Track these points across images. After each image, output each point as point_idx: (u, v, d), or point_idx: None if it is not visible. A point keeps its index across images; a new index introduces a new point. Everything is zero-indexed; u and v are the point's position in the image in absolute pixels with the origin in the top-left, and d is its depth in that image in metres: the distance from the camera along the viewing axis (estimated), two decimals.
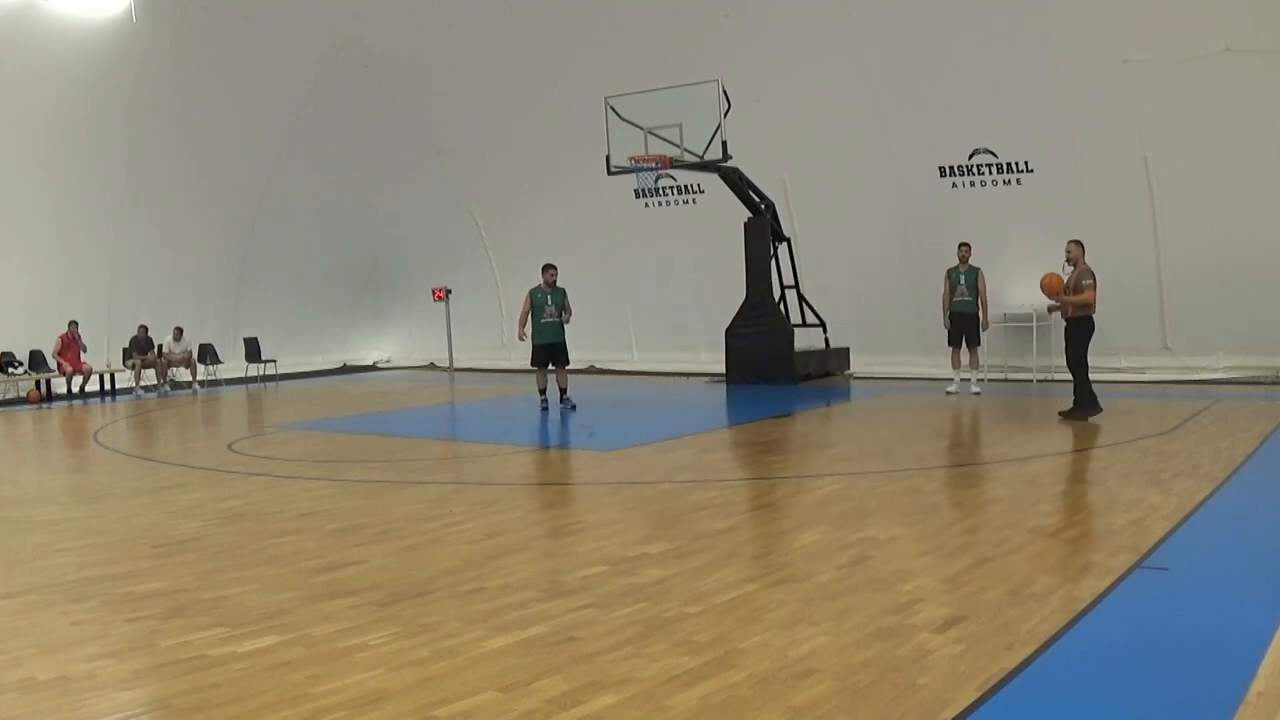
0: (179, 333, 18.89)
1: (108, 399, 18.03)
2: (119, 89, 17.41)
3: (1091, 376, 10.98)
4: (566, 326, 13.43)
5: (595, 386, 16.82)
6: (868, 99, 16.05)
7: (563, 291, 13.34)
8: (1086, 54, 14.26)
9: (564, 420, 12.79)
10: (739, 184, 15.84)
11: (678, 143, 15.19)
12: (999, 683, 3.85)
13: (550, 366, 13.51)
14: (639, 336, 19.82)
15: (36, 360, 17.93)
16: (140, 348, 18.40)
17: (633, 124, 15.38)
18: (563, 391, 13.59)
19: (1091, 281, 10.66)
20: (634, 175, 15.68)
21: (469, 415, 14.62)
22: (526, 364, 14.65)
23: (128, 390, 18.47)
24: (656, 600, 5.03)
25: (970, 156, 15.66)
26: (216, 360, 20.01)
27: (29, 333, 17.69)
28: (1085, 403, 10.80)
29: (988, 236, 14.91)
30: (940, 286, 13.99)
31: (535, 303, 13.29)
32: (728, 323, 16.46)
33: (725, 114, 14.80)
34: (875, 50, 15.77)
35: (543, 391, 13.66)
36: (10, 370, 17.69)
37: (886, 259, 16.64)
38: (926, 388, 14.76)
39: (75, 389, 18.07)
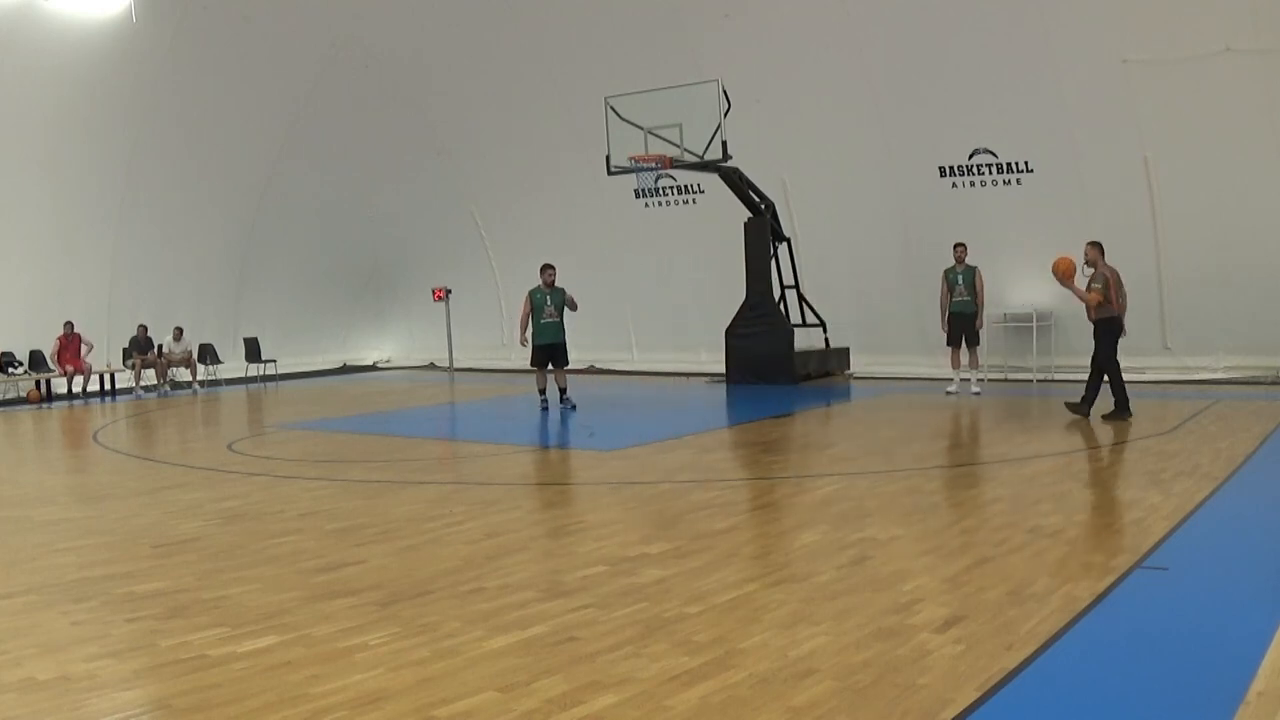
0: (179, 333, 18.89)
1: (108, 399, 18.03)
2: (119, 89, 17.41)
3: (1092, 377, 10.99)
4: (567, 326, 13.44)
5: (595, 386, 16.82)
6: (868, 99, 16.05)
7: (562, 291, 13.33)
8: (1086, 54, 14.26)
9: (564, 420, 12.79)
10: (739, 184, 15.84)
11: (678, 143, 15.19)
12: (999, 683, 3.85)
13: (550, 367, 13.52)
14: (639, 336, 19.83)
15: (36, 360, 17.93)
16: (140, 348, 18.40)
17: (633, 124, 15.38)
18: (563, 392, 13.59)
19: (1101, 285, 10.64)
20: (634, 175, 15.68)
21: (469, 415, 14.62)
22: (526, 364, 14.65)
23: (128, 390, 18.47)
24: (656, 600, 5.03)
25: (970, 156, 15.66)
26: (216, 360, 20.01)
27: (29, 333, 17.69)
28: (1121, 403, 10.78)
29: (988, 236, 14.92)
30: (940, 287, 13.99)
31: (535, 303, 13.29)
32: (728, 323, 16.46)
33: (725, 114, 14.80)
34: (875, 50, 15.77)
35: (542, 392, 13.66)
36: (10, 370, 17.70)
37: (886, 259, 16.64)
38: (926, 388, 14.76)
39: (75, 389, 18.07)
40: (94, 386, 18.43)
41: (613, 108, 15.60)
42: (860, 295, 17.09)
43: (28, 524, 7.48)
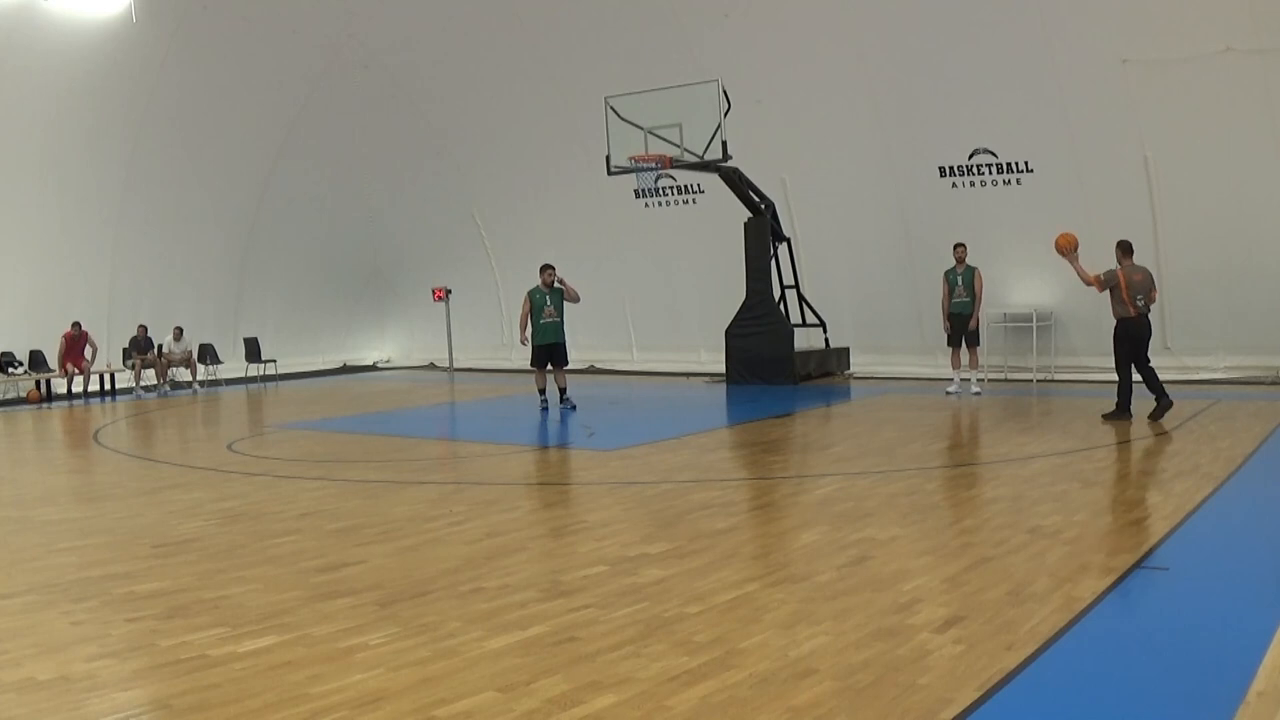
0: (179, 333, 18.89)
1: (108, 399, 18.03)
2: (119, 89, 17.41)
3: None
4: (567, 326, 13.44)
5: (595, 386, 16.82)
6: (868, 99, 16.05)
7: (560, 291, 13.34)
8: (1086, 54, 14.25)
9: (564, 420, 12.79)
10: (739, 184, 15.83)
11: (678, 143, 15.18)
12: (999, 683, 3.85)
13: (550, 367, 13.52)
14: (639, 336, 19.83)
15: (37, 360, 17.93)
16: (140, 348, 18.40)
17: (633, 124, 15.37)
18: (562, 392, 13.59)
19: (1101, 274, 10.67)
20: (634, 175, 15.68)
21: (469, 415, 14.62)
22: (526, 364, 14.65)
23: (128, 390, 18.48)
24: (656, 600, 5.03)
25: (970, 156, 15.66)
26: (216, 360, 20.01)
27: (29, 333, 17.69)
28: (1123, 405, 10.77)
29: (988, 236, 14.92)
30: (940, 287, 13.99)
31: (534, 303, 13.29)
32: (728, 323, 16.46)
33: (725, 114, 14.80)
34: (875, 50, 15.76)
35: (542, 391, 13.66)
36: (10, 370, 17.69)
37: (886, 259, 16.64)
38: (926, 388, 14.76)
39: (75, 389, 18.07)
40: (94, 386, 18.43)
41: (613, 108, 15.59)
42: (860, 295, 17.09)
43: (28, 524, 7.48)
